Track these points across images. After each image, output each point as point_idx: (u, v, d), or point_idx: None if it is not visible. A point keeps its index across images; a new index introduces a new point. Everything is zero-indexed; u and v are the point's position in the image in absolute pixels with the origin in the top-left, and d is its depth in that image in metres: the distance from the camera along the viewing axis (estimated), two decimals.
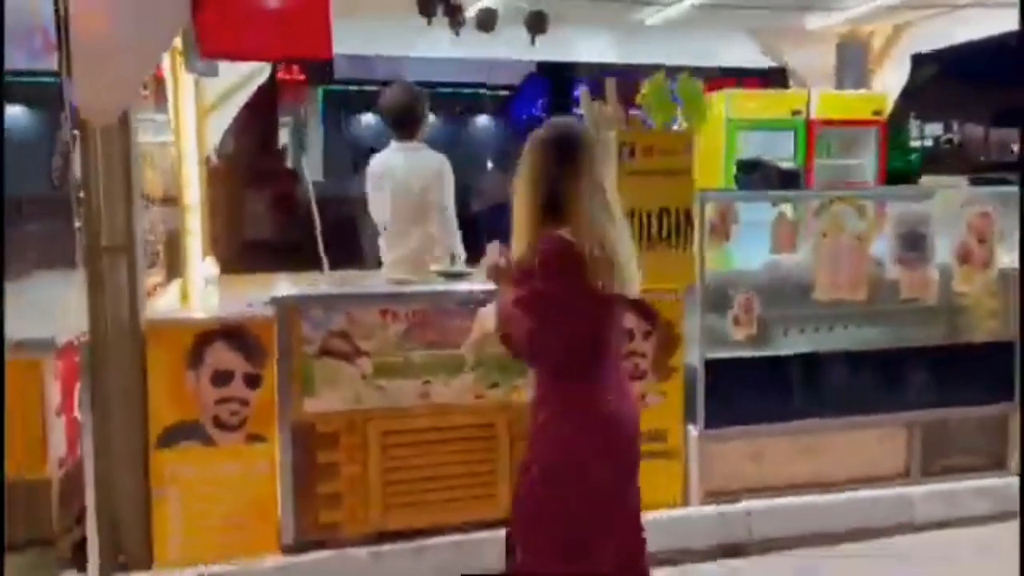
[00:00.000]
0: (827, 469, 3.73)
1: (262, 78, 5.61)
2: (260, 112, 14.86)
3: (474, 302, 3.22)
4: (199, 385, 3.08)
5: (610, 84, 3.76)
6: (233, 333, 3.10)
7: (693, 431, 3.64)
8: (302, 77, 24.03)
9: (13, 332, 3.18)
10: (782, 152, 5.95)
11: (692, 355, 3.63)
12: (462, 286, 3.45)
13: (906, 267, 3.87)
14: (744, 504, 3.64)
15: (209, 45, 2.98)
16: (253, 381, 3.13)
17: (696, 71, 4.03)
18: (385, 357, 3.23)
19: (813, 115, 6.31)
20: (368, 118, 23.31)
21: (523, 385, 3.38)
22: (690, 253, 3.57)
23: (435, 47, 5.39)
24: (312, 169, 24.77)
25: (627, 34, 6.28)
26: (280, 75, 23.15)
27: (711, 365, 3.62)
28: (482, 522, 3.33)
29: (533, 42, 4.15)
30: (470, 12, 4.35)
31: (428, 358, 3.28)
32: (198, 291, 4.43)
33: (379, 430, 3.24)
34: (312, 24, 3.08)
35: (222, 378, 3.10)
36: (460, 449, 3.34)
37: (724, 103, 6.16)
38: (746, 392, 3.66)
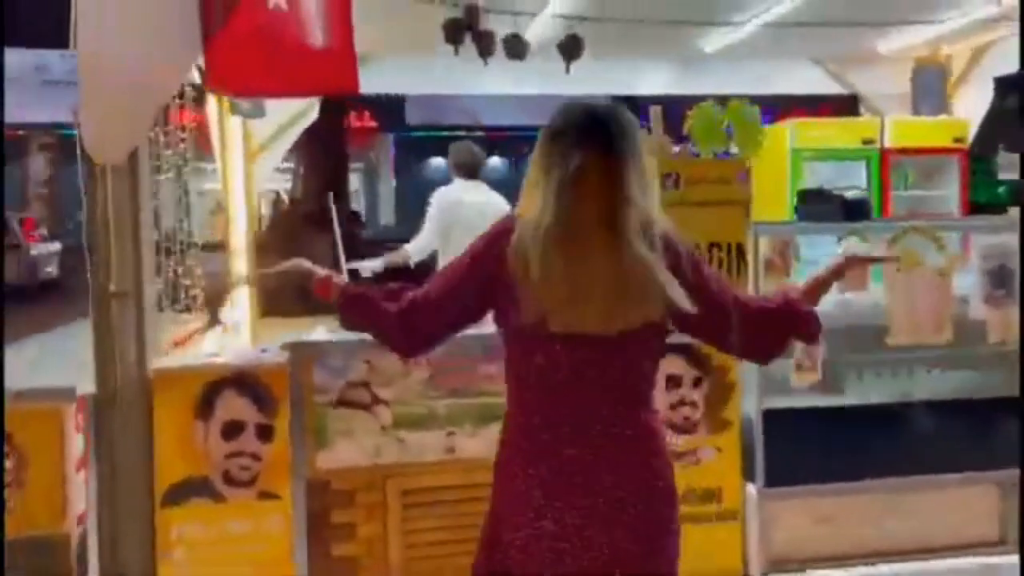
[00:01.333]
0: (906, 535, 3.29)
1: (310, 119, 5.54)
2: (331, 156, 15.07)
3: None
4: (208, 438, 2.88)
5: (656, 113, 3.50)
6: (245, 382, 2.90)
7: (752, 490, 3.27)
8: (373, 124, 24.51)
9: (38, 381, 3.08)
10: (854, 184, 5.55)
11: (749, 405, 3.28)
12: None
13: (994, 306, 3.45)
14: (810, 575, 3.24)
15: (219, 80, 2.83)
16: (265, 433, 2.91)
17: (760, 100, 3.74)
18: (406, 407, 2.98)
19: (887, 143, 5.89)
20: (438, 162, 23.54)
21: None
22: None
23: (501, 85, 5.27)
24: (384, 213, 25.19)
25: (687, 64, 6.03)
26: (352, 121, 23.69)
27: (771, 416, 3.26)
28: None
29: (568, 70, 3.93)
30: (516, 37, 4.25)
31: (453, 407, 3.02)
32: (219, 337, 4.30)
33: (399, 488, 2.98)
34: (336, 57, 2.91)
35: (233, 430, 2.89)
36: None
37: (789, 133, 5.81)
38: (812, 446, 3.27)
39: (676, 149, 3.51)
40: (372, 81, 4.87)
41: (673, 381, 3.19)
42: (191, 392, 2.87)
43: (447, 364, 3.00)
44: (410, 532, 2.99)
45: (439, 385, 3.01)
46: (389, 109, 20.62)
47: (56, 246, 15.80)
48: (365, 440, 2.96)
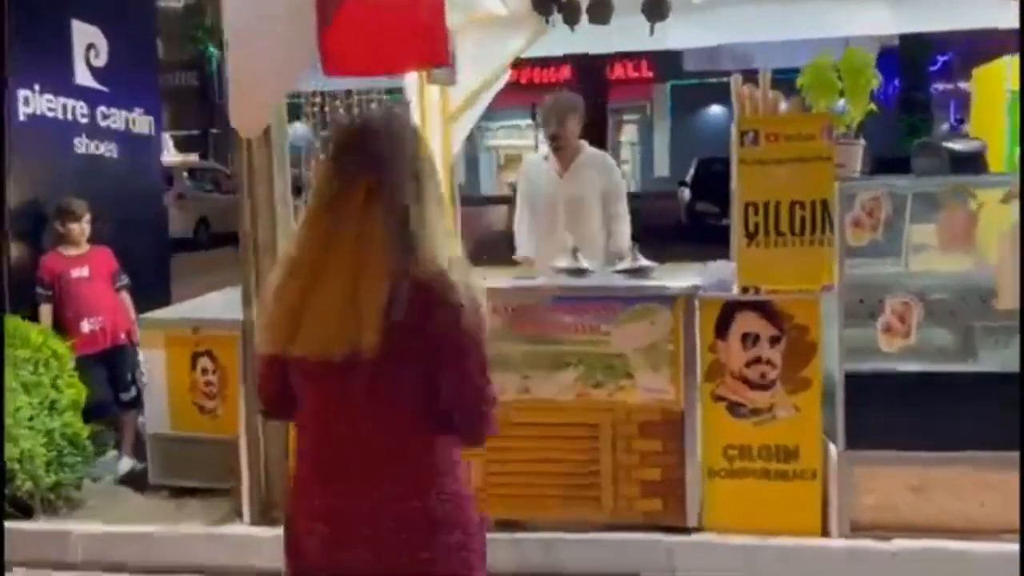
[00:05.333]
0: (1004, 513, 3.04)
1: (502, 81, 5.92)
2: (589, 111, 15.38)
3: (574, 297, 3.22)
4: None
5: (764, 74, 3.47)
6: None
7: (833, 451, 3.22)
8: (650, 74, 24.43)
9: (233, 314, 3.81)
10: None
11: (833, 366, 3.20)
12: (564, 281, 3.44)
13: None
14: (896, 543, 3.13)
15: (333, 66, 3.31)
16: None
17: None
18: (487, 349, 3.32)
19: None
20: (715, 109, 22.98)
21: (630, 386, 3.28)
22: (828, 250, 3.15)
23: (786, 30, 5.24)
24: (659, 164, 25.17)
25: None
26: (630, 73, 23.82)
27: (855, 379, 3.16)
28: (582, 523, 3.30)
29: (652, 32, 3.90)
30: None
31: (527, 353, 3.32)
32: None
33: None
34: (429, 34, 3.28)
35: None
36: (561, 448, 3.33)
37: (1007, 71, 5.17)
38: (902, 411, 3.13)
39: (783, 106, 3.45)
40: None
41: (750, 338, 3.22)
42: None
43: (523, 313, 3.30)
44: (492, 461, 3.36)
45: (516, 332, 3.32)
46: (667, 57, 20.50)
47: None
48: None
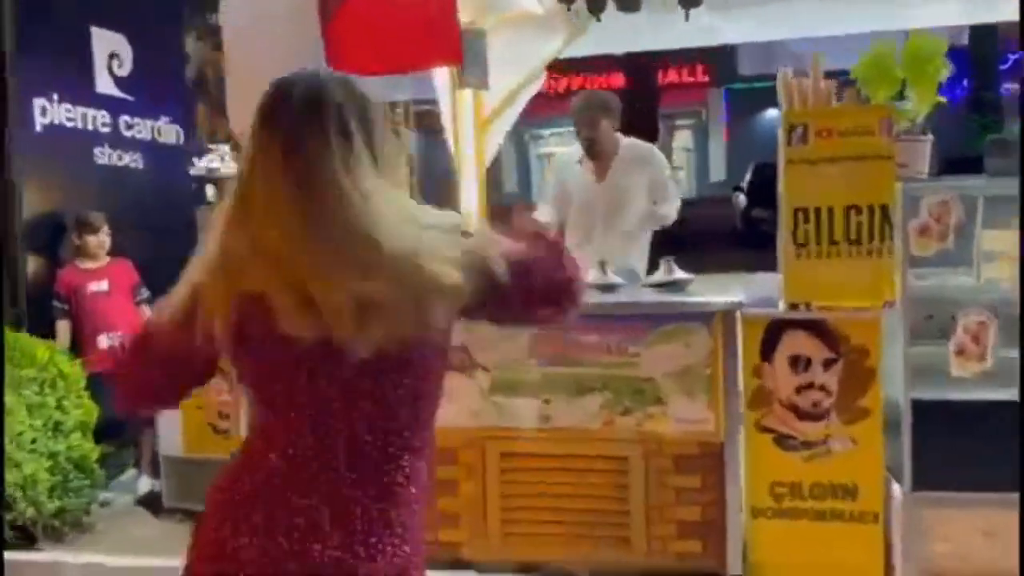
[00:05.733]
0: None
1: (537, 85, 5.65)
2: (638, 118, 15.03)
3: (599, 315, 2.90)
4: None
5: (816, 57, 3.10)
6: None
7: (898, 491, 2.82)
8: (705, 79, 23.92)
9: None
10: None
11: (897, 394, 2.81)
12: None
13: None
14: None
15: (337, 65, 3.06)
16: None
17: None
18: (504, 372, 3.02)
19: None
20: (773, 113, 22.35)
21: (661, 414, 2.93)
22: (888, 260, 2.76)
23: (846, 24, 4.89)
24: (715, 170, 24.57)
25: None
26: (684, 78, 23.35)
27: (922, 408, 2.77)
28: (610, 566, 2.96)
29: (687, 18, 3.54)
30: None
31: (549, 375, 3.00)
32: None
33: (497, 451, 3.05)
34: (440, 30, 3.01)
35: None
36: (586, 482, 3.00)
37: None
38: (977, 445, 2.72)
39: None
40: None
41: (801, 361, 2.85)
42: None
43: (544, 332, 2.98)
44: (508, 496, 3.05)
45: (537, 352, 3.00)
46: (722, 61, 19.98)
47: None
48: (466, 402, 3.06)
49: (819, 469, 2.85)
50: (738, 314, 2.91)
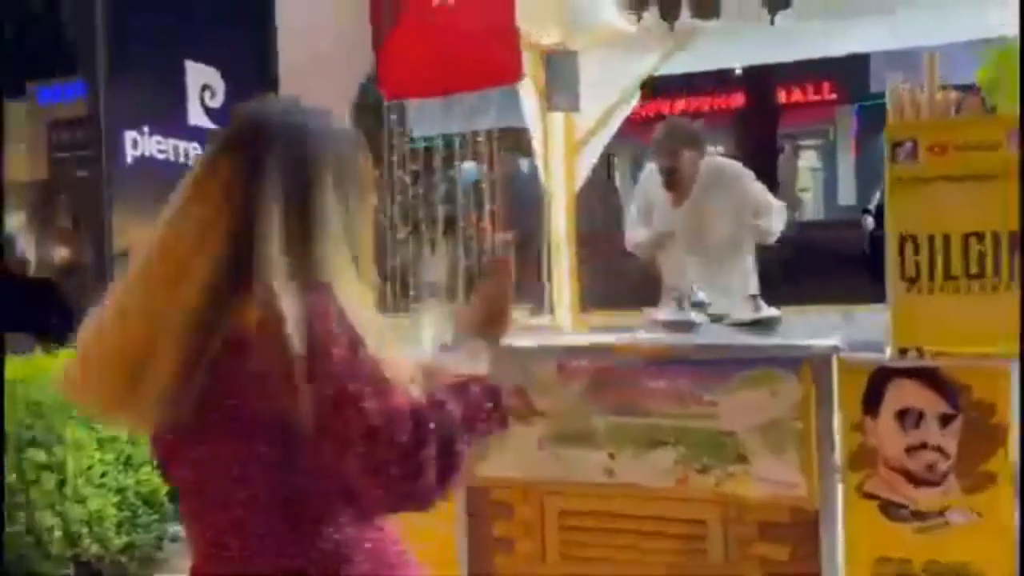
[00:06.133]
0: None
1: (630, 106, 5.35)
2: (755, 139, 14.43)
3: (671, 358, 2.57)
4: None
5: (930, 60, 2.67)
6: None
7: None
8: (832, 96, 22.85)
9: None
10: None
11: None
12: (658, 338, 2.75)
13: None
14: None
15: (391, 89, 2.88)
16: None
17: None
18: (562, 420, 2.72)
19: None
20: None
21: (744, 473, 2.55)
22: (1018, 298, 2.30)
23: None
24: (844, 192, 23.32)
25: None
26: (810, 96, 22.39)
27: None
28: None
29: (772, 22, 3.12)
30: None
31: (613, 426, 2.66)
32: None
33: (557, 507, 2.73)
34: (499, 46, 2.78)
35: None
36: (658, 548, 2.64)
37: None
38: None
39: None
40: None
41: (911, 417, 2.41)
42: None
43: (606, 376, 2.66)
44: (569, 557, 2.73)
45: (598, 399, 2.68)
46: (852, 78, 19.00)
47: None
48: (522, 451, 2.76)
49: (934, 545, 2.39)
50: (835, 360, 2.50)
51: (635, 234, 4.25)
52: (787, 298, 3.73)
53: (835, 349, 2.51)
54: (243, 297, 1.12)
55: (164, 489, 3.94)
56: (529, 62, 4.96)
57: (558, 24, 4.46)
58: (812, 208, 23.16)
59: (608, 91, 5.09)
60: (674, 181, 3.95)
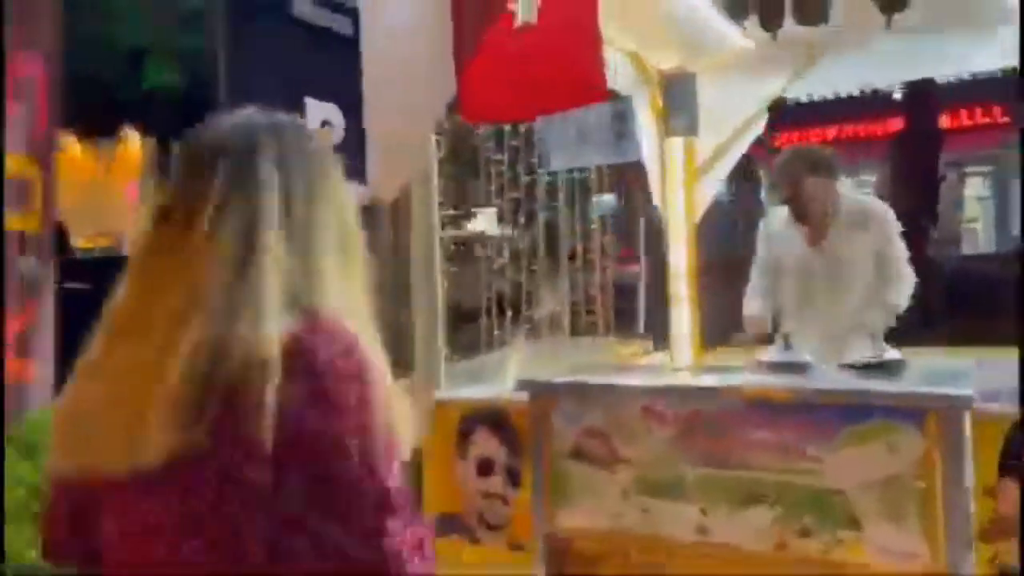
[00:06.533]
0: None
1: (759, 127, 5.06)
2: (918, 167, 13.49)
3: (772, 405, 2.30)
4: (465, 473, 2.82)
5: None
6: (496, 419, 2.76)
7: None
8: (1005, 119, 21.21)
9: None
10: None
11: None
12: (756, 380, 2.46)
13: None
14: None
15: (471, 111, 2.77)
16: (514, 477, 2.73)
17: None
18: (649, 470, 2.47)
19: None
20: None
21: (855, 540, 2.23)
22: None
23: None
24: (1017, 221, 21.43)
25: None
26: (978, 119, 20.87)
27: None
28: None
29: (888, 24, 2.74)
30: None
31: (706, 479, 2.40)
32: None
33: (644, 562, 2.48)
34: (582, 67, 2.63)
35: (485, 468, 2.79)
36: None
37: None
38: None
39: None
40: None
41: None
42: (449, 424, 2.85)
43: (698, 423, 2.40)
44: None
45: (689, 448, 2.42)
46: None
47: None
48: (605, 502, 2.54)
49: None
50: (966, 412, 2.14)
51: (752, 305, 3.77)
52: (946, 338, 3.31)
53: (968, 399, 2.15)
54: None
55: None
56: (647, 87, 4.78)
57: (678, 47, 4.26)
58: (983, 239, 21.49)
59: (731, 114, 4.83)
60: (801, 212, 3.59)
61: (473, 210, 6.07)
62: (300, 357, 1.02)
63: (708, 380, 2.48)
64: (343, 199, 1.17)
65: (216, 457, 1.00)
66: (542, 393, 2.65)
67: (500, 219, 5.40)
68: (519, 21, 2.65)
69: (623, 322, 6.35)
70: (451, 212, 5.66)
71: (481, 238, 5.95)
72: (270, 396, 0.99)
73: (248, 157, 1.11)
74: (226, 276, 1.04)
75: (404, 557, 1.04)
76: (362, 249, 1.19)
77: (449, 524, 2.84)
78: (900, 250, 3.53)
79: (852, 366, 2.49)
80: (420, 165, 2.92)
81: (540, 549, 2.64)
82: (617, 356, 3.70)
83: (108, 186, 10.22)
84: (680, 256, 4.93)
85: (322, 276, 1.09)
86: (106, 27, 9.84)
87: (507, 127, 4.80)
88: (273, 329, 1.02)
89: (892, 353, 2.47)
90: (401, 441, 1.09)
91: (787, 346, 2.56)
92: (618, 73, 4.46)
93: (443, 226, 5.74)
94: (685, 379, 2.56)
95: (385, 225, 3.03)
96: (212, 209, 1.07)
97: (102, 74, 10.10)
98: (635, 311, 7.21)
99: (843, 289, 3.55)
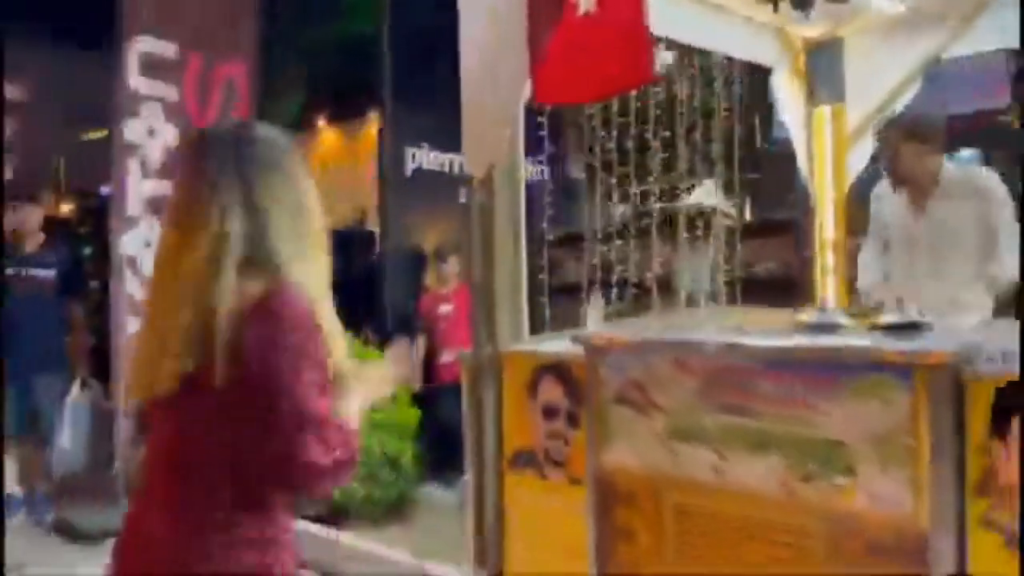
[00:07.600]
0: None
1: (912, 93, 4.90)
2: None
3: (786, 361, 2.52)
4: (535, 416, 3.20)
5: None
6: (560, 369, 3.12)
7: None
8: None
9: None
10: None
11: None
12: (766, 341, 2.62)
13: None
14: None
15: (544, 93, 3.11)
16: (574, 420, 3.08)
17: None
18: (679, 417, 2.73)
19: None
20: None
21: (851, 487, 2.40)
22: None
23: None
24: None
25: None
26: None
27: None
28: None
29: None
30: None
31: (725, 426, 2.62)
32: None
33: (672, 502, 2.76)
34: (632, 48, 2.91)
35: (550, 412, 3.15)
36: (763, 554, 2.55)
37: None
38: None
39: None
40: None
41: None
42: (524, 374, 3.24)
43: (720, 375, 2.64)
44: (685, 554, 2.73)
45: (710, 398, 2.66)
46: None
47: None
48: (641, 445, 2.83)
49: None
50: (956, 371, 2.23)
51: (865, 273, 3.87)
52: None
53: (959, 358, 2.24)
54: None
55: (408, 453, 4.57)
56: (789, 55, 4.81)
57: (824, 14, 4.26)
58: None
59: (882, 81, 4.75)
60: (899, 179, 3.62)
61: (693, 184, 6.31)
62: (260, 309, 1.47)
63: (735, 338, 2.70)
64: (298, 192, 1.60)
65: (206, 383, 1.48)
66: (592, 344, 2.98)
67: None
68: (580, 11, 2.96)
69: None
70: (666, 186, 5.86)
71: (701, 208, 6.20)
72: (225, 337, 1.45)
73: (213, 163, 1.57)
74: (205, 251, 1.51)
75: (314, 471, 1.45)
76: (320, 228, 1.63)
77: (524, 459, 3.24)
78: (1008, 224, 3.45)
79: (880, 326, 2.60)
80: (504, 145, 3.30)
81: (588, 483, 2.98)
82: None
83: (354, 167, 11.24)
84: (829, 225, 4.94)
85: (279, 251, 1.54)
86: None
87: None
88: (231, 291, 1.48)
89: (920, 317, 2.55)
90: (341, 384, 1.54)
91: (902, 310, 2.66)
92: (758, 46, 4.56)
93: (660, 197, 6.00)
94: (715, 336, 2.77)
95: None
96: (195, 202, 1.55)
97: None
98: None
99: (947, 261, 3.54)
